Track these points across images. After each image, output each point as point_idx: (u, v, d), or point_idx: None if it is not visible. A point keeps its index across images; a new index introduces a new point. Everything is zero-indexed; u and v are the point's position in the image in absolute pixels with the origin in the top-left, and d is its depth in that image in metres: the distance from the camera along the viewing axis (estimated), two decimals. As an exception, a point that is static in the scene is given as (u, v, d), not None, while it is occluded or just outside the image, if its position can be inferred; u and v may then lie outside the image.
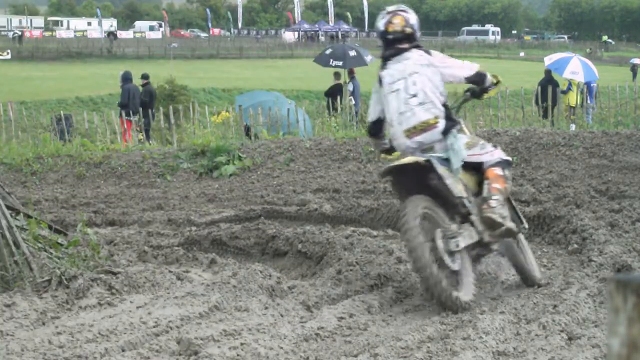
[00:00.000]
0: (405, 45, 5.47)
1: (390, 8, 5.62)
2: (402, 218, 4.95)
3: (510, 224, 5.26)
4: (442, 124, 5.34)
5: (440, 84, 5.44)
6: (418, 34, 5.57)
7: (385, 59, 5.51)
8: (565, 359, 3.90)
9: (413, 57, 5.43)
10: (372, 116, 5.62)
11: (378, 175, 5.48)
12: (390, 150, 5.69)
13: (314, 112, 18.35)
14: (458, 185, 5.18)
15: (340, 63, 20.07)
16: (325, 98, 18.75)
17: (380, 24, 5.55)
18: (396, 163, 5.21)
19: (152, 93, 17.86)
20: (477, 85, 5.54)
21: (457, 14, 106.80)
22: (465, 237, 5.11)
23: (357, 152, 10.50)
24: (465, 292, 4.95)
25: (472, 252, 5.25)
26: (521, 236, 5.78)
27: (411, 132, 5.34)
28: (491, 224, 5.15)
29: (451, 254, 5.01)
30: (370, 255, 6.18)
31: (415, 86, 5.35)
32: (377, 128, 5.65)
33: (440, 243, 4.98)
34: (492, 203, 5.19)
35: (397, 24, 5.47)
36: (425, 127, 5.32)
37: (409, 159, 5.17)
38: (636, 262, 5.74)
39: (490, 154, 5.43)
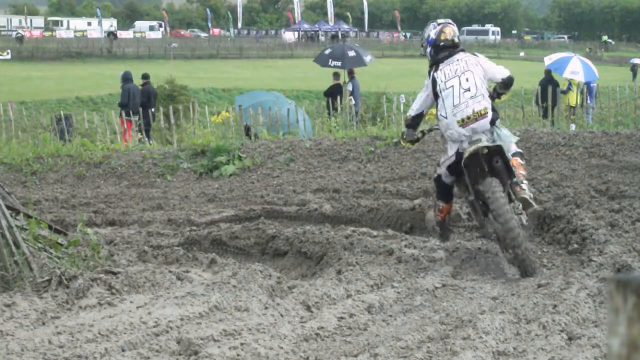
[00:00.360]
0: (455, 50, 6.38)
1: (440, 20, 6.65)
2: (493, 195, 5.86)
3: (537, 206, 6.25)
4: (490, 114, 6.20)
5: (485, 81, 6.30)
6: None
7: (437, 63, 6.36)
8: (565, 359, 3.90)
9: (464, 59, 6.32)
10: (416, 110, 6.49)
11: (463, 159, 6.05)
12: (416, 140, 6.72)
13: (314, 112, 18.35)
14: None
15: (339, 63, 20.06)
16: (324, 98, 18.76)
17: (432, 33, 6.45)
18: (475, 147, 5.99)
19: (151, 93, 17.83)
20: (505, 87, 6.40)
21: (457, 14, 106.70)
22: (523, 216, 6.12)
23: (357, 152, 10.49)
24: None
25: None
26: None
27: (465, 121, 6.15)
28: (525, 204, 6.01)
29: (522, 226, 5.96)
30: (370, 255, 6.19)
31: (468, 82, 6.21)
32: (417, 121, 6.58)
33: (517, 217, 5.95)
34: (524, 186, 6.13)
35: (449, 33, 6.39)
36: (477, 116, 6.15)
37: (482, 144, 6.00)
38: (636, 262, 5.74)
39: (513, 145, 6.37)
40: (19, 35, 68.85)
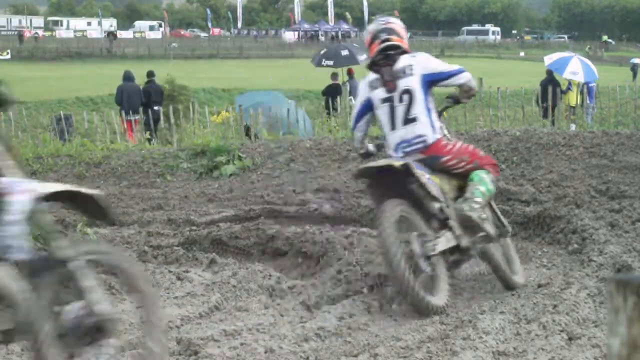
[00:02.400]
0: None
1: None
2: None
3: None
4: None
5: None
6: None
7: None
8: (565, 359, 3.90)
9: None
10: None
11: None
12: None
13: (313, 112, 18.36)
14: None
15: (331, 62, 20.17)
16: (323, 98, 18.79)
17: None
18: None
19: (151, 92, 17.81)
20: None
21: (457, 14, 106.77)
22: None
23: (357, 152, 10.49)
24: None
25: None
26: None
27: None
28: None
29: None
30: (370, 255, 6.18)
31: None
32: None
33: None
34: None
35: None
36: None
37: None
38: (636, 262, 5.74)
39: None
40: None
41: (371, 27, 5.61)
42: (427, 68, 5.39)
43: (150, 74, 18.21)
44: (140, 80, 18.02)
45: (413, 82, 5.33)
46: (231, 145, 11.04)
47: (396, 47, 5.42)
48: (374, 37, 5.48)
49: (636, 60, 43.45)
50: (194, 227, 8.03)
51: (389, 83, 5.35)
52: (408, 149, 5.31)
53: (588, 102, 17.50)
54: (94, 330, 3.41)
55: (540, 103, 16.95)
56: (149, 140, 14.60)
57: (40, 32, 75.56)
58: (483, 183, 5.29)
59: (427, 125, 5.31)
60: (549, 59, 18.28)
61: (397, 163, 5.07)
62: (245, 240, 7.30)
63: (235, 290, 5.31)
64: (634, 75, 39.83)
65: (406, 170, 5.03)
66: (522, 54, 70.81)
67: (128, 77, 17.76)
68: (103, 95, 34.22)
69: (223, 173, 10.48)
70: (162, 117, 17.09)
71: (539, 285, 5.43)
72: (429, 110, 5.35)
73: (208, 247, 7.29)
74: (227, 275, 5.70)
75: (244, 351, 4.18)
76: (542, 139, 9.93)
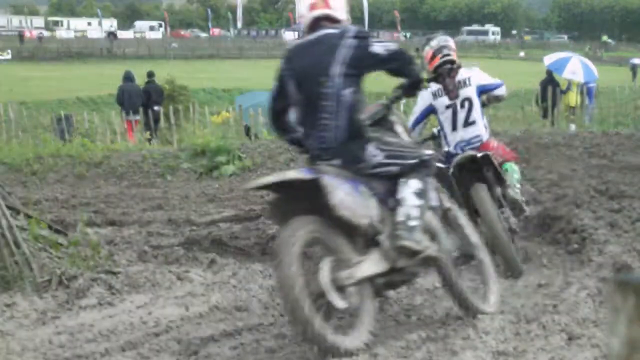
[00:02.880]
0: None
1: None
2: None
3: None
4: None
5: None
6: None
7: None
8: (565, 359, 3.90)
9: None
10: None
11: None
12: None
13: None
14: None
15: None
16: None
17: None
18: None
19: (151, 92, 17.81)
20: None
21: (457, 14, 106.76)
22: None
23: (357, 152, 10.49)
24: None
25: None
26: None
27: None
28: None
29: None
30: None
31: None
32: None
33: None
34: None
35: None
36: None
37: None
38: (636, 262, 5.74)
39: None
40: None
41: (434, 44, 6.38)
42: (481, 80, 6.49)
43: (150, 74, 18.21)
44: (140, 80, 18.02)
45: (471, 92, 6.39)
46: (231, 145, 11.04)
47: (453, 62, 6.31)
48: (437, 52, 6.33)
49: (636, 61, 43.44)
50: (194, 227, 8.03)
51: (452, 92, 6.32)
52: (467, 147, 6.33)
53: (587, 102, 17.49)
54: (467, 257, 4.76)
55: (540, 103, 16.95)
56: (149, 140, 14.60)
57: (46, 33, 75.78)
58: (515, 172, 6.43)
59: (482, 127, 6.43)
60: (549, 59, 18.27)
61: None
62: (245, 240, 7.30)
63: (235, 290, 5.31)
64: (634, 76, 39.82)
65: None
66: (522, 54, 70.81)
67: (128, 77, 17.76)
68: (103, 95, 34.22)
69: (223, 173, 10.48)
70: (162, 117, 17.08)
71: (539, 285, 5.43)
72: (482, 114, 6.46)
73: (208, 247, 7.29)
74: (227, 275, 5.70)
75: (244, 351, 4.19)
76: (542, 139, 9.94)
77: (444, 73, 6.24)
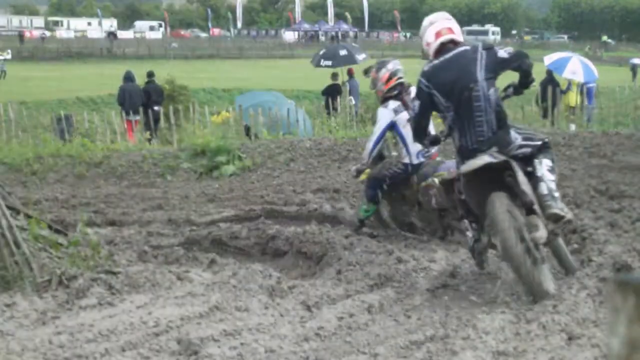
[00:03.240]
0: None
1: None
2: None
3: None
4: None
5: None
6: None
7: None
8: (565, 359, 3.90)
9: None
10: None
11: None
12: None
13: (313, 112, 18.35)
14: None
15: (330, 62, 20.20)
16: (323, 97, 18.79)
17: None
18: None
19: (151, 92, 17.79)
20: None
21: (457, 14, 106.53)
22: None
23: (357, 152, 10.49)
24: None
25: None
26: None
27: None
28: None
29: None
30: (370, 255, 6.19)
31: None
32: None
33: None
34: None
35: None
36: None
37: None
38: (636, 262, 5.74)
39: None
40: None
41: (390, 67, 7.37)
42: None
43: (150, 74, 18.20)
44: (140, 80, 18.01)
45: None
46: (231, 145, 11.04)
47: (404, 83, 7.32)
48: (392, 75, 7.33)
49: (636, 61, 43.42)
50: (194, 227, 8.03)
51: (410, 107, 6.56)
52: (426, 155, 7.17)
53: (587, 102, 17.49)
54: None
55: (540, 103, 16.94)
56: (149, 140, 14.60)
57: (48, 33, 75.84)
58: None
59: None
60: (549, 59, 18.26)
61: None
62: (245, 240, 7.30)
63: (235, 290, 5.31)
64: (634, 76, 39.82)
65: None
66: (522, 54, 70.64)
67: (129, 77, 17.74)
68: (103, 95, 34.21)
69: (223, 173, 10.48)
70: (162, 117, 17.07)
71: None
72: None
73: (208, 247, 7.29)
74: (227, 275, 5.70)
75: (244, 351, 4.19)
76: (542, 139, 9.93)
77: (402, 91, 7.26)
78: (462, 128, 5.30)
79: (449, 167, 6.74)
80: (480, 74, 5.28)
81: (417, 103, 5.54)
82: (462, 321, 4.58)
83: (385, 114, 7.27)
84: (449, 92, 5.32)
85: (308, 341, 4.44)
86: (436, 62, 5.46)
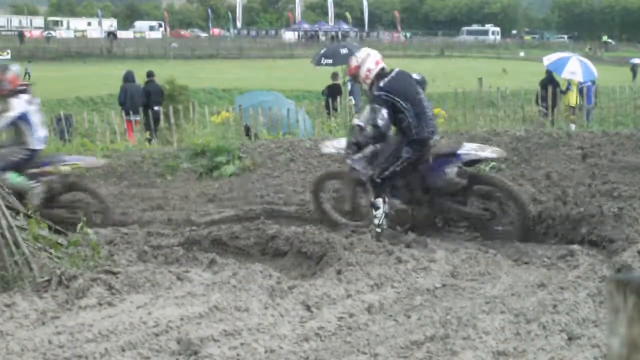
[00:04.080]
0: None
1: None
2: None
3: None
4: None
5: None
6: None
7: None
8: (565, 359, 3.90)
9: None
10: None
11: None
12: None
13: (313, 112, 18.34)
14: None
15: (330, 61, 20.20)
16: (323, 97, 18.79)
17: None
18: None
19: (151, 92, 17.79)
20: None
21: (457, 14, 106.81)
22: None
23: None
24: None
25: None
26: None
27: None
28: None
29: None
30: (370, 255, 6.18)
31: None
32: None
33: None
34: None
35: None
36: None
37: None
38: (636, 262, 5.74)
39: None
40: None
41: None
42: None
43: (150, 74, 18.20)
44: (140, 80, 18.01)
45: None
46: (231, 145, 11.04)
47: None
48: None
49: (636, 61, 43.44)
50: (194, 227, 8.03)
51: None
52: None
53: (586, 102, 17.49)
54: None
55: (540, 103, 16.94)
56: (149, 140, 14.59)
57: (54, 32, 75.86)
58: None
59: None
60: (548, 59, 18.27)
61: None
62: (245, 240, 7.30)
63: (235, 290, 5.30)
64: (634, 76, 39.84)
65: None
66: (522, 54, 70.78)
67: (129, 77, 17.74)
68: (103, 95, 34.22)
69: (223, 173, 10.48)
70: (162, 117, 17.07)
71: (539, 285, 5.43)
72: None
73: (208, 247, 7.29)
74: (227, 275, 5.70)
75: (244, 351, 4.18)
76: (542, 139, 9.93)
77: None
78: (420, 124, 7.32)
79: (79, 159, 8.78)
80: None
81: (384, 111, 7.14)
82: (462, 321, 4.58)
83: (19, 105, 8.15)
84: (406, 96, 7.29)
85: (308, 341, 4.44)
86: (387, 80, 7.36)
